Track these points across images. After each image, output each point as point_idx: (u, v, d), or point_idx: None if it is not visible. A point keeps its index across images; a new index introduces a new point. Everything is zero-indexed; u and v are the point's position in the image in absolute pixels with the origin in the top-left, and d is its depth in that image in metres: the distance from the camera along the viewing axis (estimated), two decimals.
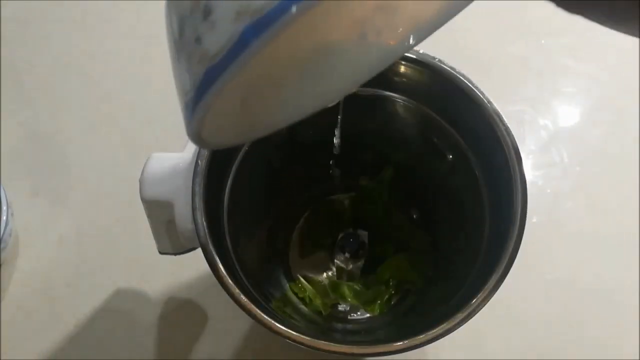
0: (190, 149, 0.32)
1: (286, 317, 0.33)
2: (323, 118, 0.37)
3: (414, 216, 0.42)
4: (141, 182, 0.32)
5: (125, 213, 0.45)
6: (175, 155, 0.32)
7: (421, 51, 0.32)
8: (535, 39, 0.53)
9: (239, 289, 0.28)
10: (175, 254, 0.36)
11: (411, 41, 0.21)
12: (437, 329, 0.28)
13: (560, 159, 0.48)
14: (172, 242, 0.34)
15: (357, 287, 0.40)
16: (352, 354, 0.28)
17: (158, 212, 0.33)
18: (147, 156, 0.33)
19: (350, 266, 0.41)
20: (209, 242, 0.29)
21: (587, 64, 0.52)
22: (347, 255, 0.41)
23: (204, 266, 0.29)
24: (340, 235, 0.41)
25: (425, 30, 0.21)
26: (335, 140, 0.35)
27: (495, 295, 0.29)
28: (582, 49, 0.52)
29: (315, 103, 0.23)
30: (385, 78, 0.35)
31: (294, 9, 0.13)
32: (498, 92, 0.33)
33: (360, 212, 0.42)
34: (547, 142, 0.49)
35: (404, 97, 0.35)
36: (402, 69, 0.34)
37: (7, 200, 0.42)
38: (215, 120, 0.19)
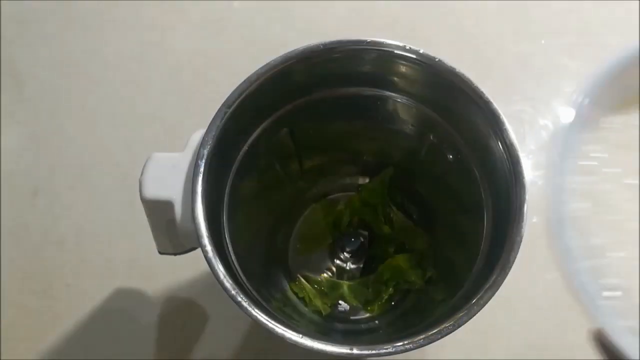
0: (190, 149, 0.32)
1: (286, 317, 0.33)
2: (323, 118, 0.38)
3: (414, 216, 0.42)
4: (141, 182, 0.32)
5: (125, 213, 0.45)
6: (175, 155, 0.32)
7: (421, 51, 0.32)
8: (535, 39, 0.53)
9: (239, 289, 0.28)
10: (175, 254, 0.35)
11: None
12: (437, 329, 0.28)
13: None
14: (172, 242, 0.34)
15: (357, 287, 0.40)
16: (352, 355, 0.28)
17: (158, 212, 0.33)
18: (147, 156, 0.33)
19: (350, 266, 0.41)
20: (209, 242, 0.29)
21: (587, 63, 0.51)
22: (347, 255, 0.41)
23: (204, 266, 0.29)
24: (340, 235, 0.41)
25: None
26: None
27: (495, 295, 0.29)
28: (582, 49, 0.52)
29: None
30: (385, 78, 0.35)
31: None
32: (498, 92, 0.33)
33: (360, 212, 0.42)
34: (547, 142, 0.48)
35: (404, 97, 0.35)
36: (403, 69, 0.34)
37: None
38: None
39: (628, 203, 0.29)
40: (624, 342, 0.25)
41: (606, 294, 0.27)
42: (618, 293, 0.27)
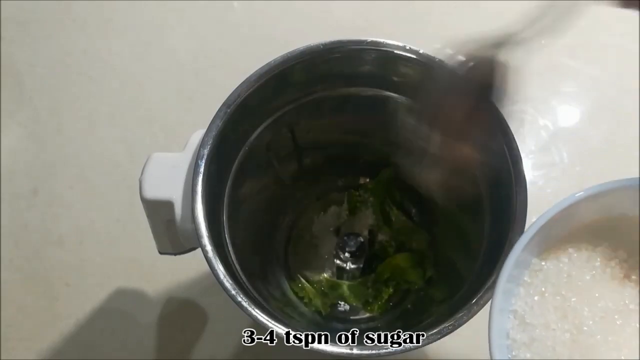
0: (190, 149, 0.32)
1: (286, 317, 0.33)
2: (323, 118, 0.38)
3: (414, 216, 0.42)
4: (141, 182, 0.32)
5: (125, 213, 0.45)
6: (175, 155, 0.32)
7: (421, 51, 0.32)
8: (535, 39, 0.52)
9: (239, 289, 0.28)
10: (175, 254, 0.36)
11: None
12: (437, 329, 0.28)
13: (560, 159, 0.48)
14: (172, 242, 0.34)
15: (357, 287, 0.40)
16: (352, 355, 0.28)
17: (158, 211, 0.33)
18: (147, 156, 0.33)
19: (350, 266, 0.41)
20: (209, 242, 0.29)
21: (587, 64, 0.51)
22: (347, 255, 0.41)
23: (204, 266, 0.29)
24: (340, 235, 0.41)
25: None
26: None
27: None
28: (582, 49, 0.52)
29: None
30: (385, 78, 0.35)
31: None
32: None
33: (359, 212, 0.42)
34: (547, 142, 0.48)
35: (404, 97, 0.35)
36: (403, 69, 0.34)
37: None
38: None
39: None
40: None
41: None
42: None
